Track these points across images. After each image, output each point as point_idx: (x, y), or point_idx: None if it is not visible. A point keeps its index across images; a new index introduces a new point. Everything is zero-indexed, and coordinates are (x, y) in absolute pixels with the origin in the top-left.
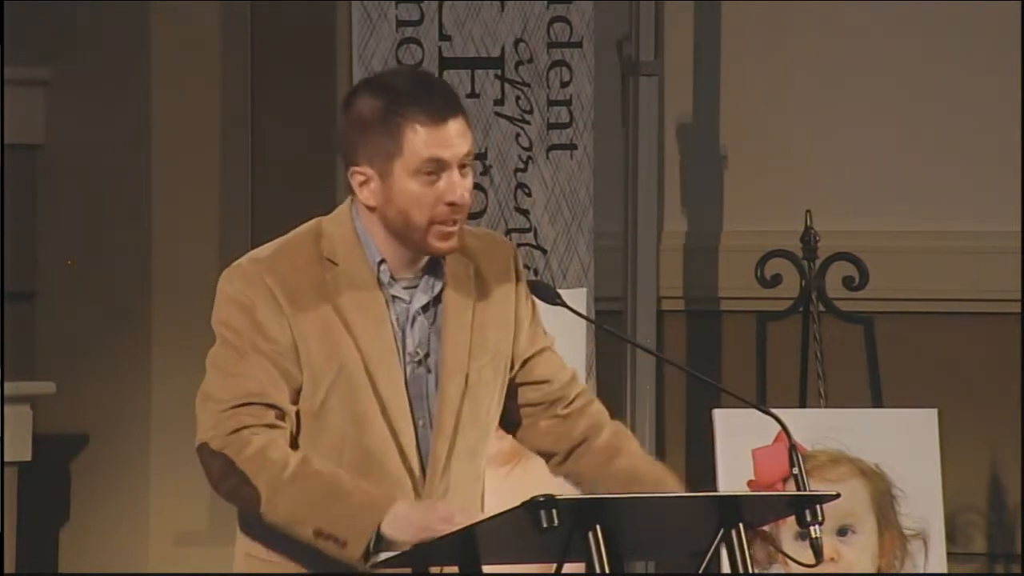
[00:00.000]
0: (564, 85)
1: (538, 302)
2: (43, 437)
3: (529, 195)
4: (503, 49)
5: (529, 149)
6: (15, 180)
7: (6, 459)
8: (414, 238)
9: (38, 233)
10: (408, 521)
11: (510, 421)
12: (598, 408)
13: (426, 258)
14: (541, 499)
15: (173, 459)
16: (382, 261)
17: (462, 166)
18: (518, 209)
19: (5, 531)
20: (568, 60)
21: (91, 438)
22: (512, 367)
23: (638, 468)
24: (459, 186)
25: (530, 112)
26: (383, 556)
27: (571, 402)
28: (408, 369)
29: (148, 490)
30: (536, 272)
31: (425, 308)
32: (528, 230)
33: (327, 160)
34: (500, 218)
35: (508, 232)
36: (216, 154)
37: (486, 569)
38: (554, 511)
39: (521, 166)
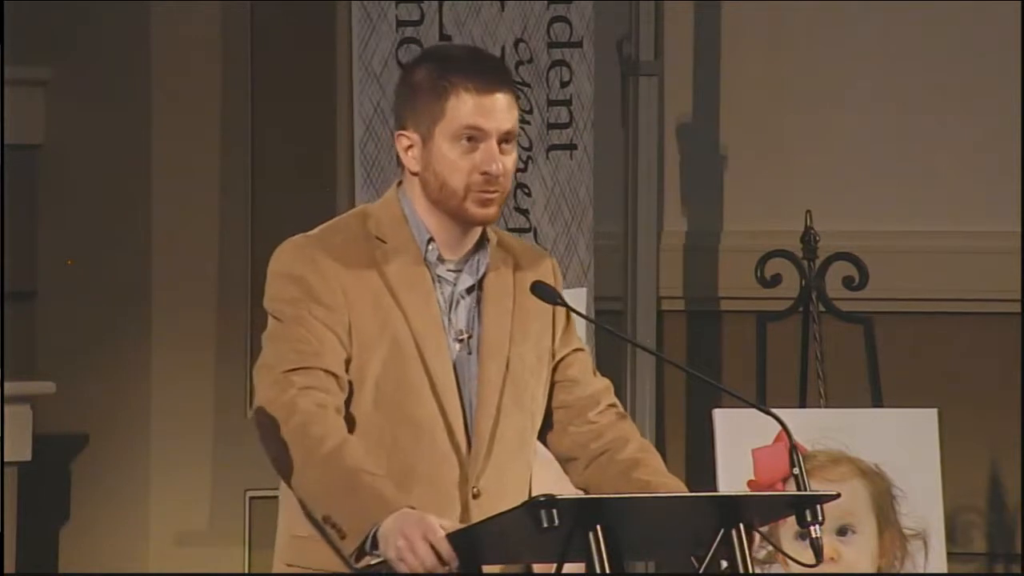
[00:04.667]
0: (564, 85)
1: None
2: (43, 437)
3: (529, 195)
4: (503, 49)
5: (529, 149)
6: (15, 180)
7: (6, 459)
8: (452, 205)
9: (38, 233)
10: (393, 526)
11: (541, 425)
12: (629, 425)
13: (473, 240)
14: (541, 499)
15: (173, 459)
16: (430, 240)
17: (504, 141)
18: (518, 209)
19: (5, 531)
20: (568, 60)
21: (91, 438)
22: (551, 361)
23: (653, 481)
24: (496, 158)
25: (530, 112)
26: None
27: (602, 410)
28: (454, 349)
29: (148, 490)
30: None
31: (470, 290)
32: (528, 230)
33: (327, 158)
34: (500, 218)
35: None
36: (216, 154)
37: (486, 569)
38: (554, 511)
39: (521, 166)
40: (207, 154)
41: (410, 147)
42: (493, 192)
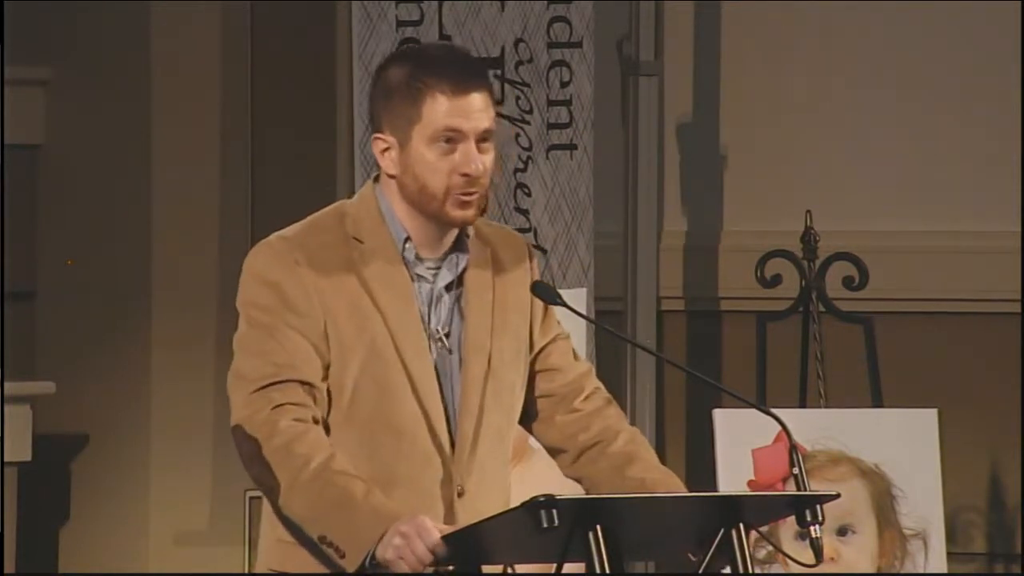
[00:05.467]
0: (564, 85)
1: None
2: (43, 437)
3: (529, 195)
4: (503, 49)
5: (529, 149)
6: (15, 180)
7: (6, 459)
8: (431, 207)
9: (38, 233)
10: (391, 535)
11: (527, 414)
12: (616, 412)
13: (451, 239)
14: (541, 499)
15: (173, 459)
16: (407, 239)
17: (482, 140)
18: (518, 209)
19: (5, 531)
20: (568, 60)
21: (91, 438)
22: (530, 352)
23: (649, 478)
24: (475, 158)
25: (530, 112)
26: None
27: (587, 397)
28: (434, 348)
29: (148, 490)
30: None
31: (449, 288)
32: (528, 230)
33: (327, 159)
34: (500, 218)
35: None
36: (216, 154)
37: (486, 569)
38: (554, 511)
39: (521, 166)
40: (207, 154)
41: (387, 150)
42: (473, 193)
